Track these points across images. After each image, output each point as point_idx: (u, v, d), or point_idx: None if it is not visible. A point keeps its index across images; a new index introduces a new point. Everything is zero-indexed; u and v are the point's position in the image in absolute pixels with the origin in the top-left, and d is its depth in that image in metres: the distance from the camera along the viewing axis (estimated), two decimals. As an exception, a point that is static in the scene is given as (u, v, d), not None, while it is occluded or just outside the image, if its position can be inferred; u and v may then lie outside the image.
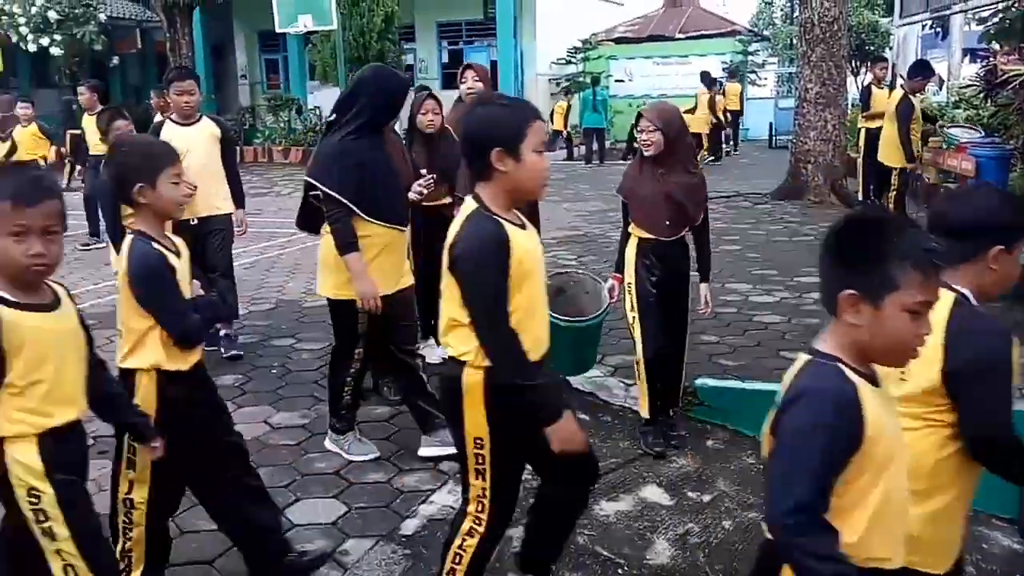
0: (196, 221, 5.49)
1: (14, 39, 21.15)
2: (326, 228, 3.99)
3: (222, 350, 5.81)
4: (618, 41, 25.57)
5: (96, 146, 10.14)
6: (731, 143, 20.95)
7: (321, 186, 3.90)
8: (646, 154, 4.15)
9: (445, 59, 25.34)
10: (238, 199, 5.93)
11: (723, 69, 22.07)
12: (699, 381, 4.77)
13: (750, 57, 24.14)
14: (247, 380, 5.42)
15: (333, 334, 4.32)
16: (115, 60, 23.75)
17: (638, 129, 4.15)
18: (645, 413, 4.32)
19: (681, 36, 24.99)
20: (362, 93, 3.95)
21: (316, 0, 19.01)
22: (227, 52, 27.41)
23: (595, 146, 19.55)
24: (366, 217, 3.91)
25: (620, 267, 4.36)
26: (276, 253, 9.86)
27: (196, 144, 5.47)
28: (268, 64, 27.85)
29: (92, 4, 21.82)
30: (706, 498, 3.87)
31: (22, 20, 20.75)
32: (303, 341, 6.25)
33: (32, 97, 24.08)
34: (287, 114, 23.06)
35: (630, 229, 4.30)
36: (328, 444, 4.34)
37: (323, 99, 24.01)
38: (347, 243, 3.88)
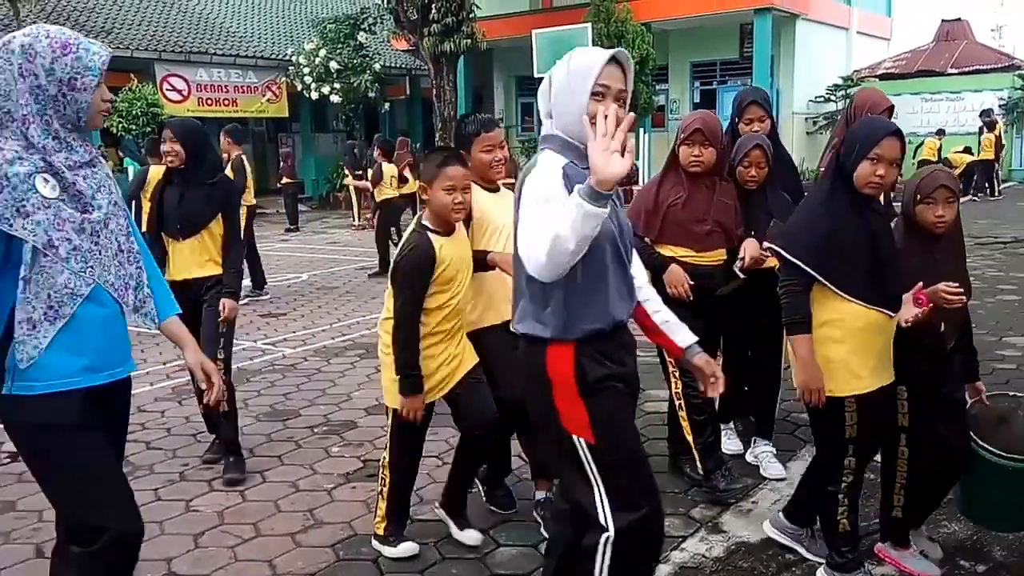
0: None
1: (299, 87, 23.27)
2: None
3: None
4: (882, 77, 24.43)
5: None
6: (987, 188, 19.48)
7: (782, 251, 3.25)
8: None
9: (697, 99, 25.18)
10: None
11: (1000, 105, 20.49)
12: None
13: (1031, 93, 22.28)
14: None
15: (813, 438, 3.61)
16: (386, 106, 25.50)
17: None
18: None
19: (954, 71, 23.48)
20: (847, 139, 3.23)
21: (574, 46, 19.35)
22: (486, 97, 28.72)
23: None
24: (837, 291, 3.16)
25: None
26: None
27: (508, 219, 3.42)
28: (524, 107, 28.87)
29: (368, 55, 23.59)
30: (980, 568, 3.56)
31: (306, 70, 22.79)
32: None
33: (313, 140, 26.50)
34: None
35: None
36: None
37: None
38: (795, 321, 3.20)
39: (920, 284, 3.17)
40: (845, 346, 3.16)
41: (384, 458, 3.75)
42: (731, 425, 4.92)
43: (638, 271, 2.79)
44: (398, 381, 3.44)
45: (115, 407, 2.65)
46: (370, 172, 12.60)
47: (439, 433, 5.08)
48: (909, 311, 3.15)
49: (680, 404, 4.28)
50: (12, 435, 2.47)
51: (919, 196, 3.24)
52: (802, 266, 3.17)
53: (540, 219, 2.32)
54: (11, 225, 2.30)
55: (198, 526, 4.09)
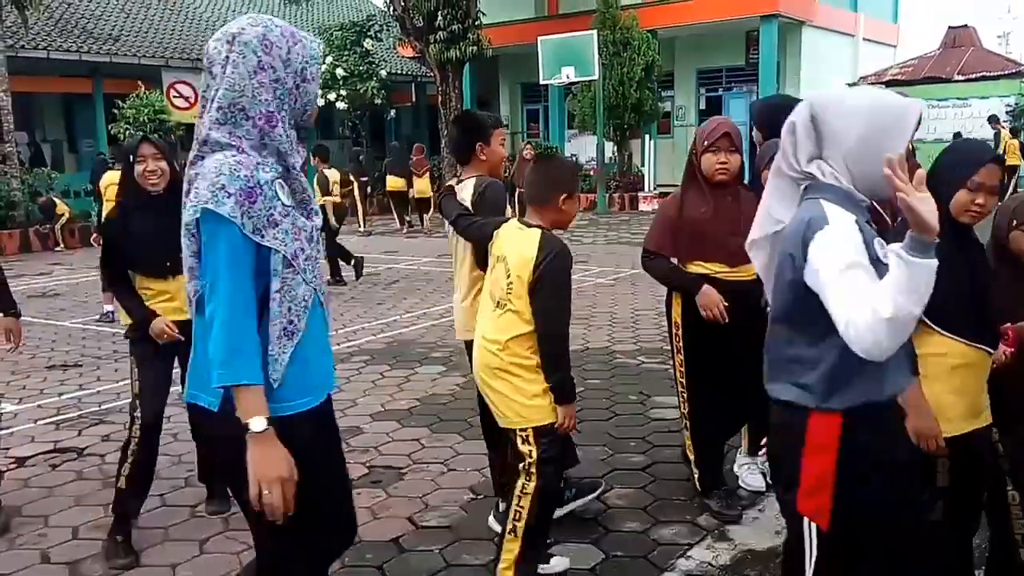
0: None
1: (305, 94, 23.32)
2: None
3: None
4: (889, 84, 24.37)
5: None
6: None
7: None
8: None
9: (703, 105, 25.23)
10: None
11: (1007, 112, 20.48)
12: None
13: (1038, 100, 22.23)
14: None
15: None
16: (392, 113, 25.55)
17: None
18: None
19: (961, 78, 23.46)
20: (937, 164, 2.90)
21: (580, 53, 19.63)
22: (491, 103, 28.79)
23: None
24: (935, 327, 2.79)
25: None
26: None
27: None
28: (529, 114, 28.94)
29: (375, 62, 23.64)
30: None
31: (313, 77, 22.85)
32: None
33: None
34: (547, 162, 23.80)
35: None
36: None
37: (579, 147, 24.66)
38: None
39: (1008, 324, 2.88)
40: (937, 384, 2.81)
41: (528, 511, 3.21)
42: (755, 460, 4.44)
43: None
44: (561, 391, 3.14)
45: None
46: (315, 181, 11.56)
47: (444, 439, 5.08)
48: (996, 351, 2.85)
49: (686, 423, 4.21)
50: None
51: (1015, 221, 2.93)
52: None
53: (861, 289, 2.04)
54: (263, 236, 2.11)
55: (203, 532, 4.08)
